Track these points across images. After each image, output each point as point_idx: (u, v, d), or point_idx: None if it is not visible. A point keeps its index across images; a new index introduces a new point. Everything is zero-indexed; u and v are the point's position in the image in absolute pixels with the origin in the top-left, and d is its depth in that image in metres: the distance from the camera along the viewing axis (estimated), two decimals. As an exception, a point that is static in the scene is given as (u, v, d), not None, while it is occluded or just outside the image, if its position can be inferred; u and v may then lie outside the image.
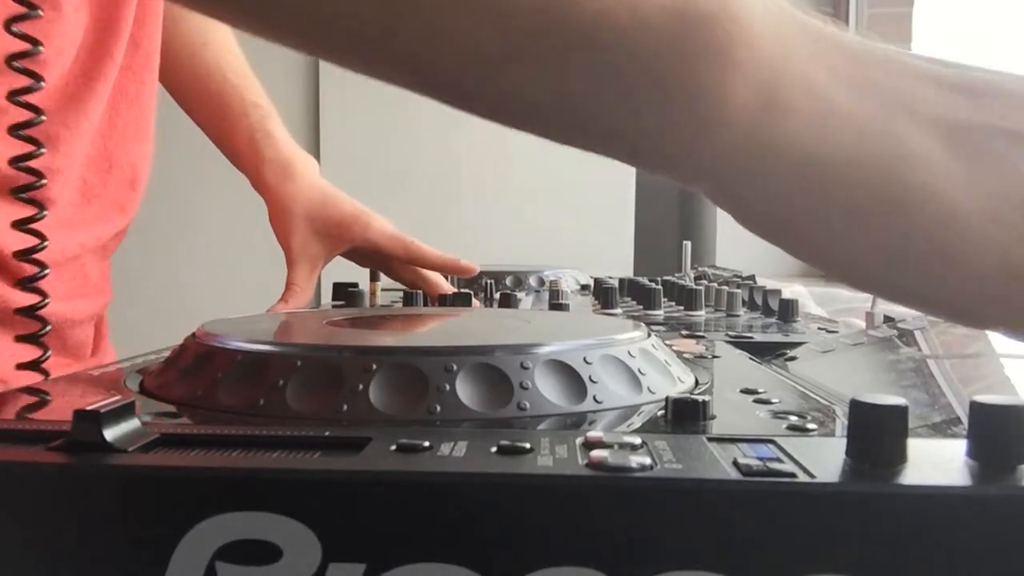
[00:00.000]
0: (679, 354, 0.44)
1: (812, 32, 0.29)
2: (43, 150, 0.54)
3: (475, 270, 0.84)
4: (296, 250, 0.79)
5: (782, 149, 0.28)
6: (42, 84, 0.53)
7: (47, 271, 0.55)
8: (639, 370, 0.35)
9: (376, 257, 0.83)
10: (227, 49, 0.84)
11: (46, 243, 0.54)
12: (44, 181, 0.54)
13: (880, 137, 0.28)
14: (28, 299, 0.54)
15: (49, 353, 0.55)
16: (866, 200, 0.28)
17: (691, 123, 0.28)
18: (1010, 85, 0.30)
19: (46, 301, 0.55)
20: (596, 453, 0.24)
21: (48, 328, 0.55)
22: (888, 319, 0.59)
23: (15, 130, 0.52)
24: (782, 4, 0.29)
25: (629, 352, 0.36)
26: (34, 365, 0.54)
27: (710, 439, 0.27)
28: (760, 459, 0.24)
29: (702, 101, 0.27)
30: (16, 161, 0.53)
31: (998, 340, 0.46)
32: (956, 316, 0.30)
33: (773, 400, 0.35)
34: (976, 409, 0.24)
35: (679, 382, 0.38)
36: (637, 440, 0.26)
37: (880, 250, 0.28)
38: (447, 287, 0.84)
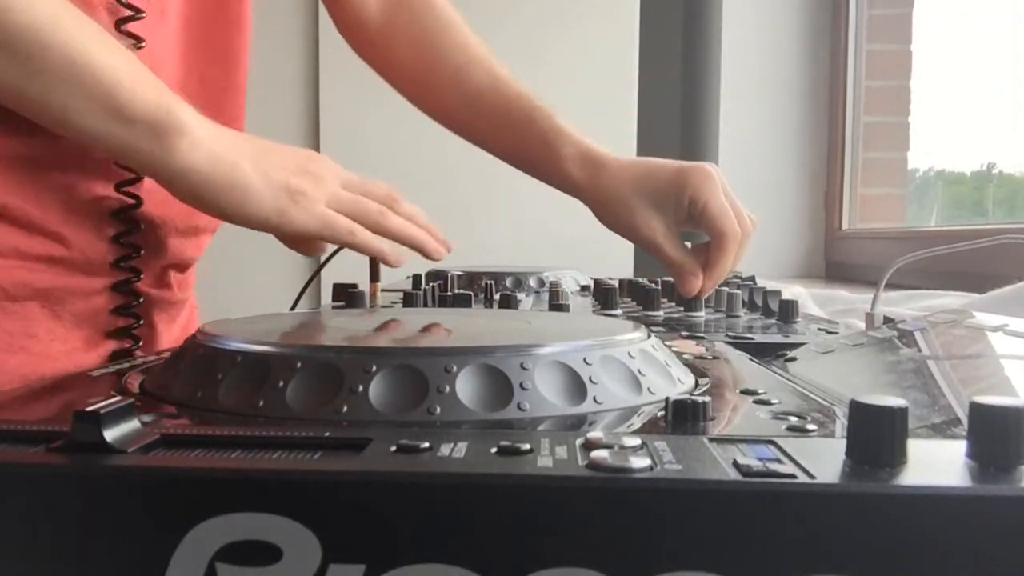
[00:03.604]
0: (679, 355, 0.44)
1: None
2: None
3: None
4: (647, 233, 0.72)
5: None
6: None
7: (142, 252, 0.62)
8: (639, 371, 0.35)
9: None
10: (487, 60, 0.80)
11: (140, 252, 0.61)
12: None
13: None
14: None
15: (140, 344, 0.62)
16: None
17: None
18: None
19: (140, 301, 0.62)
20: (596, 454, 0.24)
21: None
22: (888, 320, 0.59)
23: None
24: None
25: (629, 353, 0.36)
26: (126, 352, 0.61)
27: (710, 440, 0.27)
28: (760, 460, 0.24)
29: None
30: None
31: (998, 341, 0.46)
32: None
33: (773, 401, 0.35)
34: (976, 410, 0.24)
35: (679, 383, 0.38)
36: (637, 441, 0.26)
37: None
38: (696, 284, 0.72)
